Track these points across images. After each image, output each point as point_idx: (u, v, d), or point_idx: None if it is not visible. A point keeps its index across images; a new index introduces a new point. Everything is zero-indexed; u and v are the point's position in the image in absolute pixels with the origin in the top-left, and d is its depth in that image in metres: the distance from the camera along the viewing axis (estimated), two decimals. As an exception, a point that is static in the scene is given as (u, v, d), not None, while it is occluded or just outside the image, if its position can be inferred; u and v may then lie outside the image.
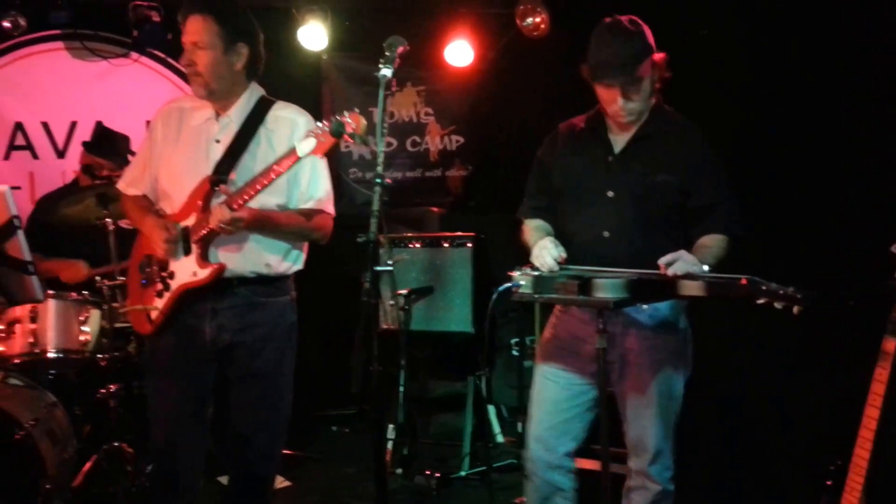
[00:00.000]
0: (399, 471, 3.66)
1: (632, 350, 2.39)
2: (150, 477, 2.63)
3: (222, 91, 2.46)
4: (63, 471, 3.00)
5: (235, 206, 2.30)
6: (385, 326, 3.71)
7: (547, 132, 2.60)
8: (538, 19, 4.53)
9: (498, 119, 5.07)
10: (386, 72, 2.17)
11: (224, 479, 3.29)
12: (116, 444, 3.15)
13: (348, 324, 4.38)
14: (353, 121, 2.24)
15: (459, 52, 4.89)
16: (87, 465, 3.13)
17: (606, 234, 2.38)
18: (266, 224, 2.41)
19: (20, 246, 2.24)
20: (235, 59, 2.44)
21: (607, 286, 2.11)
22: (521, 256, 2.46)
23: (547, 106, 4.21)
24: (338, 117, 2.25)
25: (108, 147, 3.99)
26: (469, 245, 3.81)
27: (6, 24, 4.42)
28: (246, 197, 2.33)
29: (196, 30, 2.39)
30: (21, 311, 3.03)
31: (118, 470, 3.13)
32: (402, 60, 2.21)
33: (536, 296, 2.26)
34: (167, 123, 2.53)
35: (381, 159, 2.18)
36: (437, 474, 3.60)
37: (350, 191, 5.00)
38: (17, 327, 3.04)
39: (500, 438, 3.97)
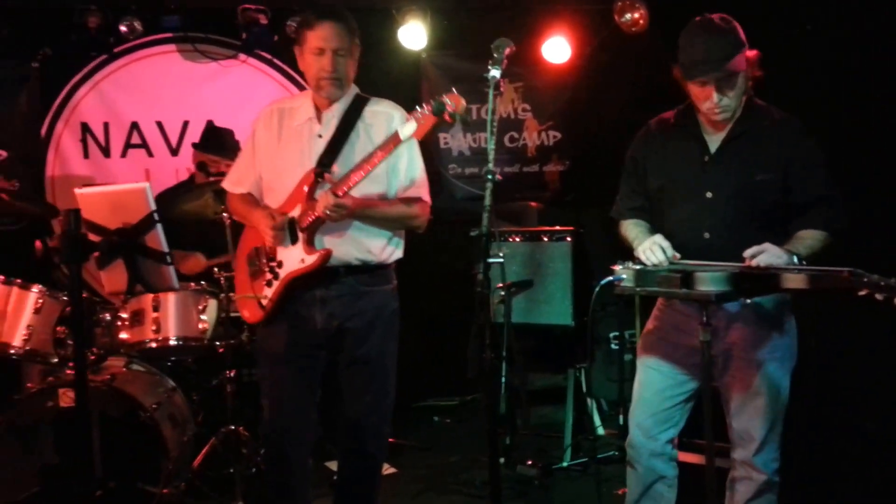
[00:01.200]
0: (501, 460, 3.69)
1: (736, 344, 2.37)
2: (264, 458, 2.76)
3: (344, 90, 2.59)
4: (183, 452, 3.19)
5: (340, 193, 2.41)
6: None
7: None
8: (637, 15, 4.47)
9: (595, 114, 5.03)
10: (495, 73, 2.24)
11: (333, 465, 3.42)
12: (233, 427, 3.29)
13: (448, 315, 4.50)
14: (452, 101, 2.33)
15: (557, 49, 4.89)
16: (205, 448, 3.29)
17: (707, 235, 2.36)
18: (369, 210, 2.52)
19: (159, 238, 2.41)
20: (355, 61, 2.60)
21: (710, 279, 2.10)
22: (619, 251, 2.47)
23: (644, 101, 4.13)
24: (438, 97, 2.33)
25: (216, 143, 4.20)
26: (568, 239, 3.82)
27: (123, 28, 4.67)
28: (350, 184, 2.44)
29: (332, 36, 2.52)
30: (145, 300, 3.21)
31: (234, 453, 3.27)
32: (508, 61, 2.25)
33: (639, 289, 2.28)
34: (268, 124, 2.66)
35: (491, 157, 2.26)
36: (540, 464, 3.62)
37: (450, 186, 5.06)
38: (142, 316, 3.22)
39: (600, 431, 3.94)
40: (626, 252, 2.43)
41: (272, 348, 2.63)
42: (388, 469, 3.68)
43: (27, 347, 2.85)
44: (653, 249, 2.29)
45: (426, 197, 2.65)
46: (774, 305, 2.37)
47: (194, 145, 4.23)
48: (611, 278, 2.25)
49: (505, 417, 3.74)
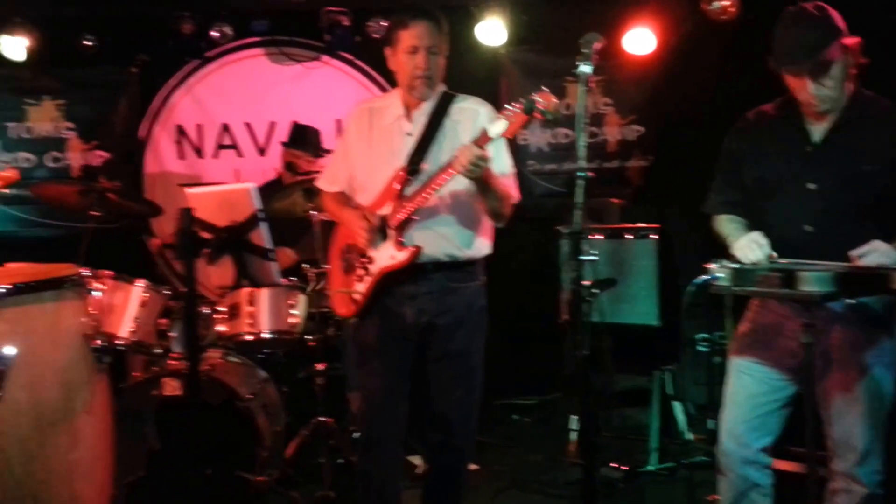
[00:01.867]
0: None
1: (836, 347, 2.27)
2: (356, 448, 2.84)
3: (435, 89, 2.62)
4: (276, 442, 3.30)
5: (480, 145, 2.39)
6: (567, 318, 3.74)
7: (733, 121, 2.50)
8: (727, 2, 4.34)
9: (680, 108, 4.88)
10: (585, 68, 2.23)
11: (416, 460, 3.48)
12: (322, 419, 3.38)
13: (525, 313, 4.50)
14: (543, 99, 2.32)
15: (640, 40, 4.79)
16: (297, 439, 3.40)
17: (809, 228, 2.27)
18: (491, 178, 2.50)
19: (263, 235, 2.52)
20: (443, 59, 2.63)
21: (814, 279, 2.02)
22: (708, 248, 2.40)
23: (733, 94, 4.03)
24: (529, 96, 2.34)
25: (302, 140, 4.33)
26: (653, 237, 3.74)
27: (214, 33, 4.88)
28: (442, 181, 2.45)
29: (425, 34, 2.56)
30: (241, 295, 3.34)
31: (323, 444, 3.37)
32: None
33: (736, 289, 2.19)
34: (359, 123, 2.72)
35: (582, 154, 2.24)
36: (625, 467, 3.58)
37: (528, 183, 5.04)
38: (238, 310, 3.35)
39: (688, 435, 3.87)
40: (716, 249, 2.36)
41: (364, 341, 2.71)
42: (469, 465, 3.69)
43: (133, 339, 3.00)
44: (750, 247, 2.23)
45: (514, 193, 2.67)
46: (882, 306, 2.27)
47: (284, 144, 4.36)
48: (706, 277, 2.19)
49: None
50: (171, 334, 3.25)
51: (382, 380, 2.67)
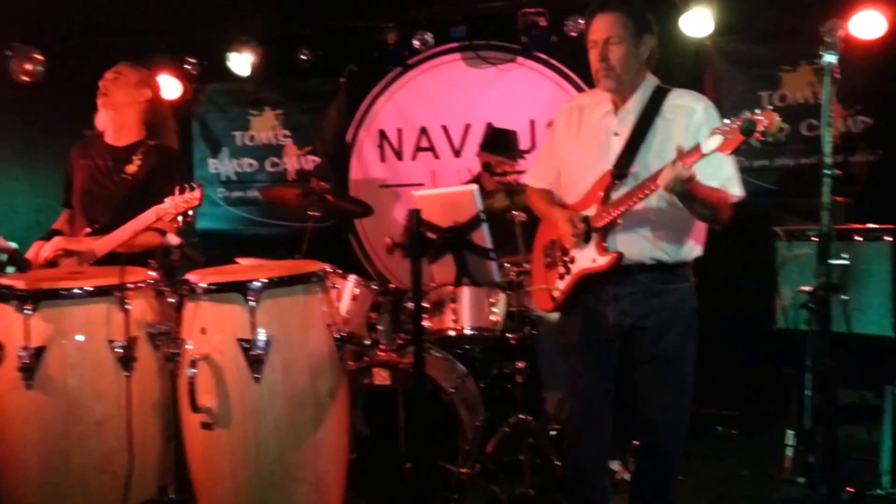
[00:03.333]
0: (801, 480, 3.41)
1: None
2: (564, 446, 2.82)
3: (629, 83, 2.54)
4: (477, 436, 3.36)
5: (686, 164, 2.28)
6: (782, 326, 3.51)
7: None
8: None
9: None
10: (830, 58, 2.10)
11: (614, 465, 3.39)
12: (522, 416, 3.39)
13: (735, 319, 4.23)
14: (765, 118, 2.17)
15: (868, 23, 4.35)
16: (497, 435, 3.44)
17: None
18: (697, 189, 2.36)
19: (484, 236, 2.60)
20: (644, 51, 2.52)
21: None
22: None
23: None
24: (749, 114, 2.19)
25: (501, 144, 4.37)
26: (888, 238, 3.40)
27: (416, 42, 5.10)
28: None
29: (607, 26, 2.50)
30: (444, 292, 3.44)
31: (523, 441, 3.38)
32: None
33: None
34: (568, 121, 2.68)
35: (828, 150, 2.07)
36: (850, 489, 3.27)
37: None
38: (442, 307, 3.45)
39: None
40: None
41: (566, 339, 2.69)
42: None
43: (346, 330, 3.18)
44: None
45: (734, 192, 2.50)
46: None
47: (481, 147, 4.44)
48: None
49: (806, 434, 3.44)
50: (380, 327, 3.42)
51: (585, 378, 2.63)
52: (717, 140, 2.24)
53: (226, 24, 5.10)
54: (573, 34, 4.77)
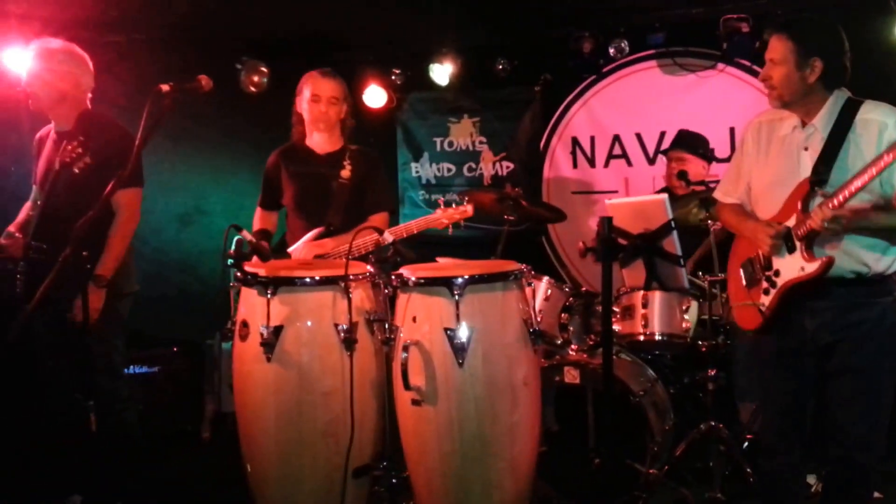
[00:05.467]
0: None
1: None
2: (761, 453, 2.82)
3: (795, 102, 2.57)
4: (665, 439, 3.40)
5: (835, 205, 2.37)
6: None
7: None
8: None
9: None
10: None
11: (811, 479, 3.27)
12: (713, 423, 3.39)
13: None
14: None
15: None
16: (687, 440, 3.46)
17: None
18: (864, 222, 2.42)
19: (674, 243, 2.69)
20: (808, 73, 2.51)
21: None
22: None
23: None
24: None
25: (687, 142, 4.34)
26: None
27: (612, 49, 5.15)
28: (841, 198, 2.37)
29: (773, 47, 2.57)
30: (635, 297, 3.50)
31: (713, 448, 3.37)
32: None
33: None
34: (757, 136, 2.72)
35: None
36: None
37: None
38: (632, 311, 3.52)
39: None
40: None
41: (761, 353, 2.71)
42: (874, 493, 3.36)
43: (539, 327, 3.34)
44: None
45: None
46: None
47: (670, 146, 4.43)
48: None
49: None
50: (571, 328, 3.56)
51: (778, 391, 2.65)
52: None
53: (428, 38, 5.45)
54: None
